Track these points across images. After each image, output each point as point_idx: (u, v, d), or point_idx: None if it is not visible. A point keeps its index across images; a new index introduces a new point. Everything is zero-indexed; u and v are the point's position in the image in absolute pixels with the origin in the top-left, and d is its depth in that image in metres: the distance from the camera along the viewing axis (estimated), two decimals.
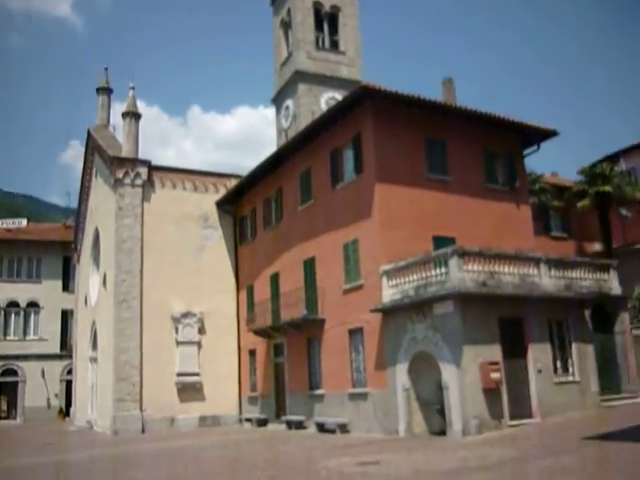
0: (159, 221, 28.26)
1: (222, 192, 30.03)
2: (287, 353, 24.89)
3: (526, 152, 23.96)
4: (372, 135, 20.03)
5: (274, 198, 26.49)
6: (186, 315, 27.81)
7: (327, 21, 39.24)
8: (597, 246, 29.77)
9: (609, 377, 19.18)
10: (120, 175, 27.90)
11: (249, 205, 28.98)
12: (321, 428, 21.20)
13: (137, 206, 28.02)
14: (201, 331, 28.13)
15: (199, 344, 27.96)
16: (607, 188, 28.11)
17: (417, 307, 17.45)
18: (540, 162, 79.64)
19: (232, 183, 29.85)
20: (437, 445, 15.10)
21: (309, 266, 23.20)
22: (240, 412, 28.22)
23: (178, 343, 27.56)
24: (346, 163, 21.59)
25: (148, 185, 28.53)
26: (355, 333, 20.49)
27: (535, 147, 23.91)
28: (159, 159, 62.03)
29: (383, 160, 19.90)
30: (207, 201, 29.84)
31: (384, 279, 18.79)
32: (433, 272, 17.16)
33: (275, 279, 25.79)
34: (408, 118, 20.72)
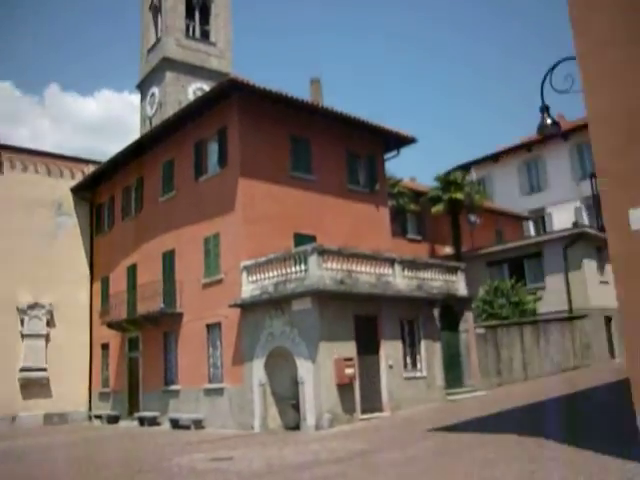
0: (6, 205, 26.32)
1: (79, 178, 28.55)
2: (142, 347, 24.16)
3: (387, 156, 24.91)
4: (238, 129, 19.91)
5: (134, 187, 25.59)
6: (33, 306, 26.15)
7: (199, 10, 38.55)
8: (448, 249, 31.53)
9: (453, 372, 20.40)
10: None
11: (107, 193, 27.79)
12: (175, 424, 20.77)
13: None
14: (50, 324, 26.58)
15: (47, 337, 26.40)
16: (459, 195, 29.81)
17: (276, 303, 17.59)
18: (402, 166, 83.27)
19: (90, 169, 28.48)
20: (291, 439, 15.29)
21: (168, 259, 22.66)
22: (90, 409, 27.00)
23: (23, 336, 25.86)
24: (210, 156, 21.31)
25: None
26: (213, 328, 20.28)
27: (395, 152, 24.93)
28: (10, 138, 57.57)
29: (248, 155, 19.85)
30: (62, 186, 28.23)
31: (244, 274, 18.75)
32: (293, 269, 17.37)
33: (132, 271, 24.94)
34: (275, 115, 20.82)
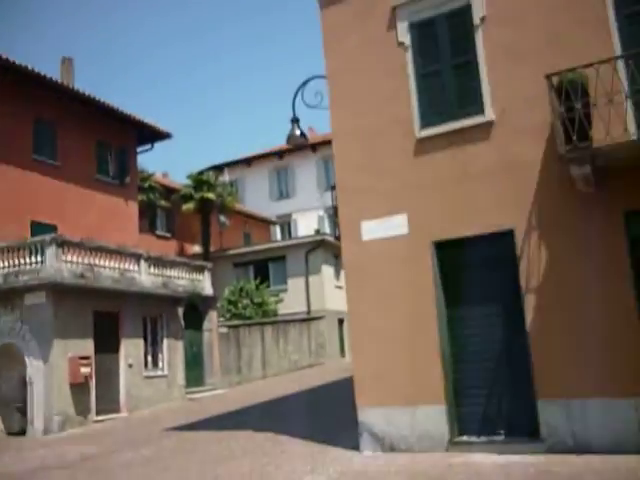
0: None
1: None
2: None
3: (140, 149, 24.23)
4: None
5: None
6: None
7: None
8: (197, 248, 31.58)
9: (195, 371, 20.47)
10: None
11: None
12: None
13: None
14: None
15: None
16: (211, 195, 30.05)
17: (5, 297, 16.06)
18: (156, 161, 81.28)
19: None
20: (14, 445, 14.07)
21: None
22: None
23: None
24: None
25: None
26: None
27: (149, 145, 24.37)
28: None
29: None
30: None
31: None
32: (27, 260, 16.00)
33: None
34: (18, 92, 19.06)
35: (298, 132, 11.12)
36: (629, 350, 7.57)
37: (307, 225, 38.00)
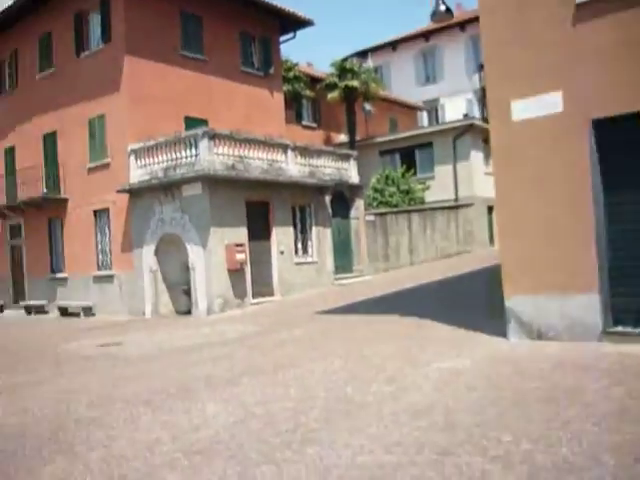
0: None
1: None
2: (25, 235, 23.09)
3: (283, 38, 24.07)
4: (122, 0, 18.44)
5: (8, 62, 23.41)
6: None
7: None
8: (343, 137, 31.58)
9: (343, 258, 21.01)
10: None
11: None
12: (64, 312, 20.38)
13: None
14: None
15: None
16: (355, 83, 29.49)
17: (165, 188, 17.16)
18: (299, 51, 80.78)
19: None
20: (182, 324, 15.45)
21: (50, 141, 21.31)
22: None
23: None
24: (93, 29, 19.76)
25: None
26: (101, 214, 19.66)
27: (292, 34, 24.12)
28: None
29: (134, 30, 18.54)
30: None
31: (132, 158, 18.04)
32: (183, 153, 16.86)
33: (10, 153, 23.31)
34: None
35: (443, 7, 10.38)
36: None
37: (455, 110, 36.47)
